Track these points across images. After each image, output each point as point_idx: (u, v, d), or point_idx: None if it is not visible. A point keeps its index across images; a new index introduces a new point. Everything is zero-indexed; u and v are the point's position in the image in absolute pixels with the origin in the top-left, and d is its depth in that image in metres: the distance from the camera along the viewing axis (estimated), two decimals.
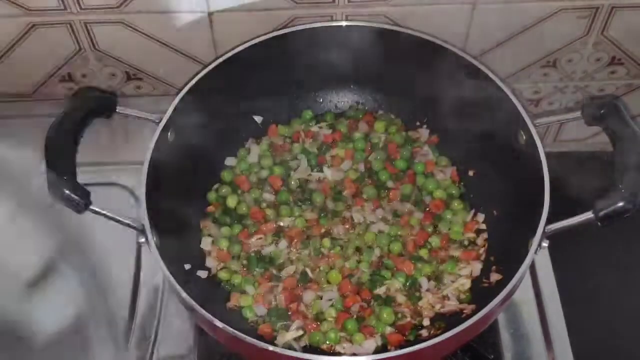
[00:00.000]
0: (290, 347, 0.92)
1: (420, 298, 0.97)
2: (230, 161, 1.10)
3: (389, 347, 0.93)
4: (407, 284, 0.97)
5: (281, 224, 1.03)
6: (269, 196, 1.06)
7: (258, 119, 1.12)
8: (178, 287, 0.84)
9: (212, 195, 1.07)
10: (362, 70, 1.12)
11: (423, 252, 1.00)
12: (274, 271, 0.99)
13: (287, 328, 0.94)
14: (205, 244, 1.02)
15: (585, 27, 1.10)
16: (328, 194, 1.06)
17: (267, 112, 1.13)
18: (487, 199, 1.04)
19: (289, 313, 0.96)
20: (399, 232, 1.02)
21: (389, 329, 0.94)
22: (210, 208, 1.06)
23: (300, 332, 0.94)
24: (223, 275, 0.99)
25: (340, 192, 1.06)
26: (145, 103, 1.19)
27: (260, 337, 0.92)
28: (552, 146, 1.32)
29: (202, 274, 0.99)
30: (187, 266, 0.98)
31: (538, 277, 1.03)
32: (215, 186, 1.08)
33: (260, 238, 1.02)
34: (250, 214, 1.04)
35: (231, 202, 1.05)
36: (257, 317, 0.96)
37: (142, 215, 0.87)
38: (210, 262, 1.01)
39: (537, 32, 1.10)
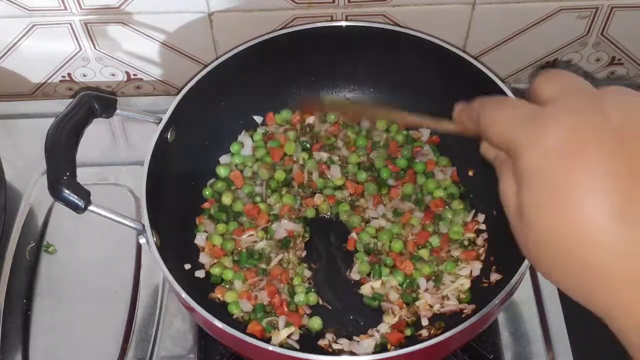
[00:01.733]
0: (287, 345, 0.92)
1: (416, 299, 0.97)
2: (225, 159, 1.09)
3: (388, 347, 0.93)
4: (405, 284, 0.97)
5: (274, 212, 1.03)
6: (260, 189, 1.05)
7: (258, 119, 1.12)
8: (178, 287, 0.83)
9: (207, 191, 1.06)
10: (362, 70, 1.12)
11: (423, 253, 1.00)
12: (263, 265, 0.99)
13: (272, 324, 0.93)
14: (199, 239, 1.01)
15: (585, 27, 1.10)
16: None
17: (267, 112, 1.12)
18: (487, 199, 1.04)
19: (273, 310, 0.95)
20: (400, 231, 1.02)
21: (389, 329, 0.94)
22: (206, 204, 1.05)
23: (292, 329, 0.93)
24: (215, 270, 0.99)
25: (341, 188, 1.06)
26: (145, 103, 1.19)
27: (252, 335, 0.92)
28: None
29: (202, 274, 0.99)
30: (187, 266, 0.98)
31: (538, 277, 1.03)
32: (210, 181, 1.07)
33: (252, 235, 1.02)
34: (245, 211, 1.04)
35: (226, 199, 1.04)
36: (242, 312, 0.95)
37: (142, 215, 0.87)
38: (203, 257, 1.00)
39: (537, 32, 1.10)
